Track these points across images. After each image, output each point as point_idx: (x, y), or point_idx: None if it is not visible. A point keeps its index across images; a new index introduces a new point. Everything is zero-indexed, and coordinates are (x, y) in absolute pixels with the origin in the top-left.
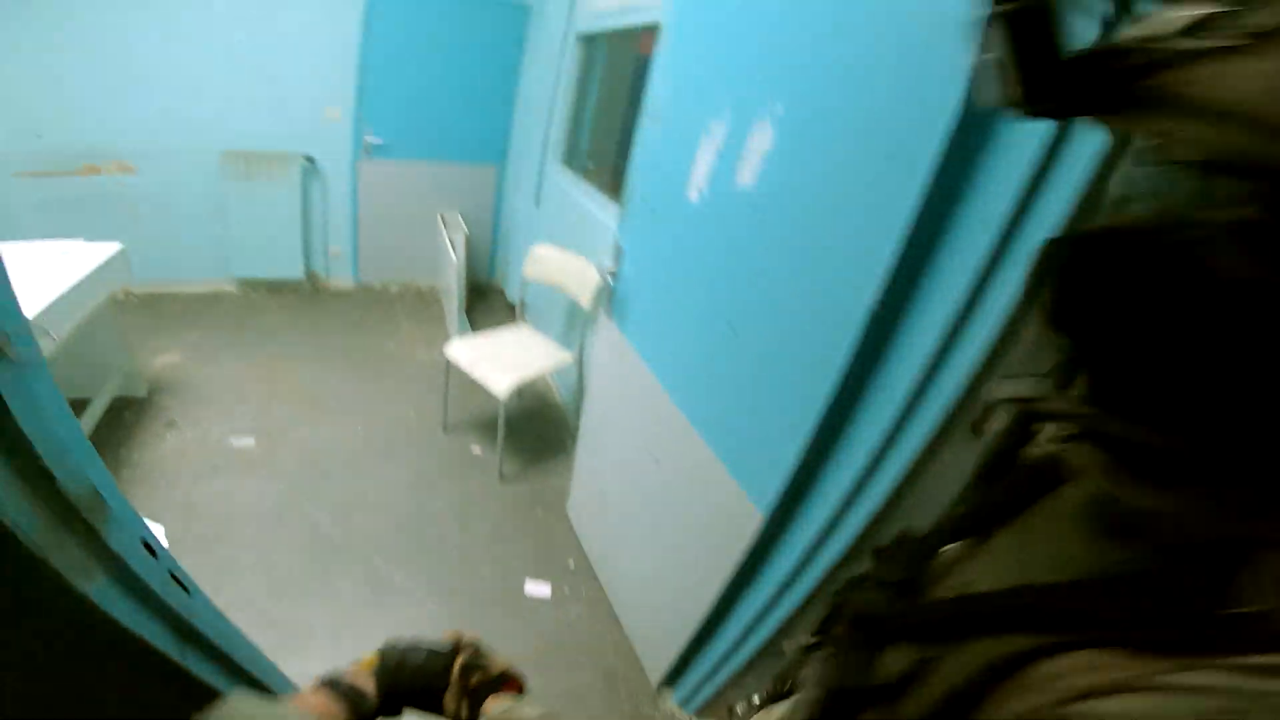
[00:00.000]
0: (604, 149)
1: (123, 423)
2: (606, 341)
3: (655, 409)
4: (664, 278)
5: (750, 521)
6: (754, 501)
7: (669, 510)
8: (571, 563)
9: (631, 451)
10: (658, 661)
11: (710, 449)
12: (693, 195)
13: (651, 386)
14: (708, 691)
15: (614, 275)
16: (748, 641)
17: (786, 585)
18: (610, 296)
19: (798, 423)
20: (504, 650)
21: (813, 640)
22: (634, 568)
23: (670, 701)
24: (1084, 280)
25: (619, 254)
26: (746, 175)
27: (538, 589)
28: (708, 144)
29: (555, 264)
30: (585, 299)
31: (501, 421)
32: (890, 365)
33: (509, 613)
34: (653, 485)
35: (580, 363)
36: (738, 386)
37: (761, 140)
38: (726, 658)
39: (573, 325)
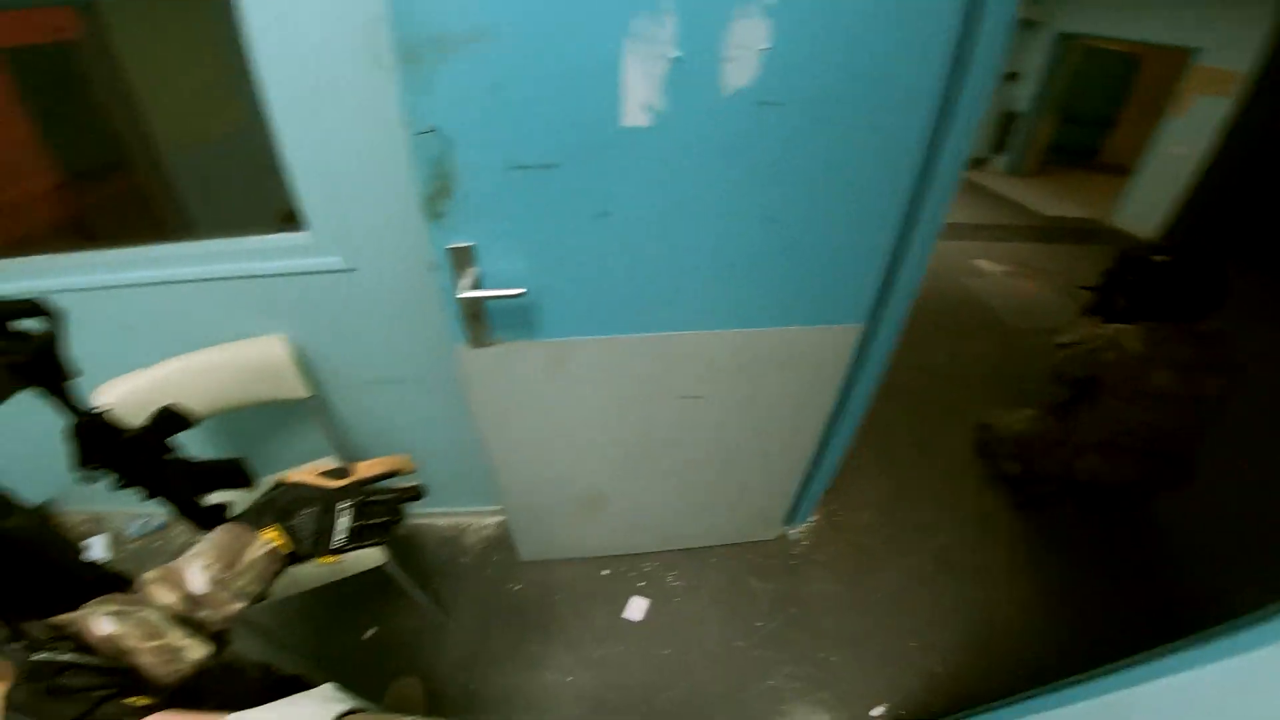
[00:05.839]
0: None
1: None
2: (509, 369)
3: (672, 361)
4: (616, 231)
5: (847, 337)
6: (845, 322)
7: (734, 416)
8: (607, 571)
9: (632, 424)
10: (768, 523)
11: (778, 327)
12: (637, 118)
13: (654, 345)
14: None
15: (472, 287)
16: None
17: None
18: (478, 317)
19: (872, 245)
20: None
21: None
22: (690, 498)
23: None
24: None
25: (461, 262)
26: (740, 76)
27: (635, 610)
28: (638, 51)
29: (204, 379)
30: (291, 385)
31: None
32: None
33: (651, 645)
34: (695, 418)
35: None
36: (790, 261)
37: (749, 35)
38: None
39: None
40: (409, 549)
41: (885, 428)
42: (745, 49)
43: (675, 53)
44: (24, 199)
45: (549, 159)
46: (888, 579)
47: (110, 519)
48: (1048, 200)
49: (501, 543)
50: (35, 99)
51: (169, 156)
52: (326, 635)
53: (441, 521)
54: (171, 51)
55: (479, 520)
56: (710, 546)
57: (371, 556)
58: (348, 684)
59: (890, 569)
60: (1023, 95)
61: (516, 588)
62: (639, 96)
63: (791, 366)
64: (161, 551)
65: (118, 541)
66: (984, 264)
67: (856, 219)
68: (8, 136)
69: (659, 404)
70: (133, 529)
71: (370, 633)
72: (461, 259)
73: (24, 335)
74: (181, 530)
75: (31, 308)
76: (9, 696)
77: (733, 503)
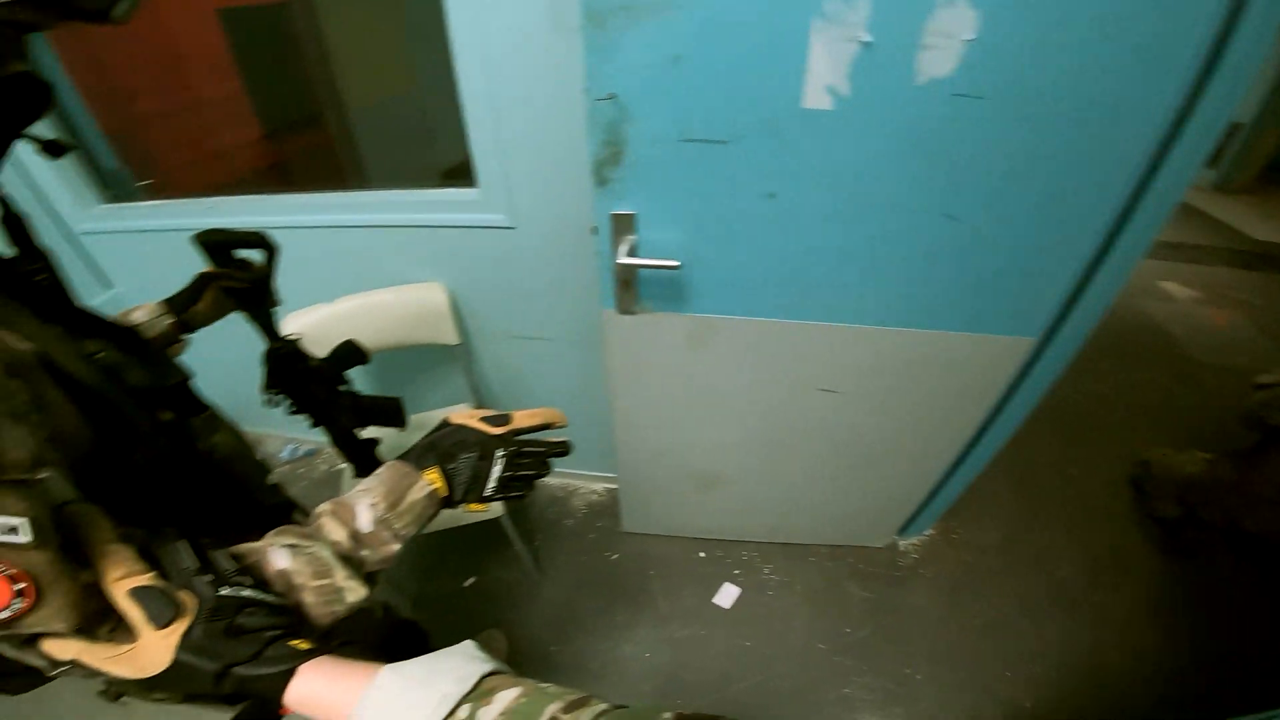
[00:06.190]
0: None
1: None
2: (651, 338)
3: (817, 352)
4: (781, 214)
5: (1015, 350)
6: (1015, 335)
7: (871, 417)
8: (704, 554)
9: (763, 410)
10: (880, 530)
11: (940, 330)
12: (819, 101)
13: (802, 333)
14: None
15: (629, 254)
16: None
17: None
18: (628, 284)
19: (1063, 257)
20: None
21: None
22: (806, 494)
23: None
24: None
25: (621, 229)
26: (936, 66)
27: (725, 597)
28: (827, 33)
29: (373, 317)
30: (445, 330)
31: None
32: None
33: (734, 633)
34: (830, 413)
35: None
36: (966, 264)
37: (952, 24)
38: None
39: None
40: (519, 504)
41: (1028, 448)
42: (946, 38)
43: (866, 37)
44: (235, 147)
45: (721, 135)
46: (995, 604)
47: (266, 441)
48: (1260, 222)
49: (606, 510)
50: (245, 57)
51: (353, 113)
52: (431, 578)
53: (553, 481)
54: (365, 14)
55: (588, 485)
56: (813, 545)
57: (494, 507)
58: (442, 628)
59: (1001, 595)
60: (1246, 102)
61: (613, 557)
62: (823, 79)
63: (946, 373)
64: (305, 478)
65: (268, 463)
66: (1171, 286)
67: (1050, 228)
68: (223, 90)
69: (794, 393)
70: (284, 453)
71: (470, 581)
72: (622, 226)
73: (246, 263)
74: (325, 459)
75: (258, 239)
76: (185, 635)
77: (849, 504)
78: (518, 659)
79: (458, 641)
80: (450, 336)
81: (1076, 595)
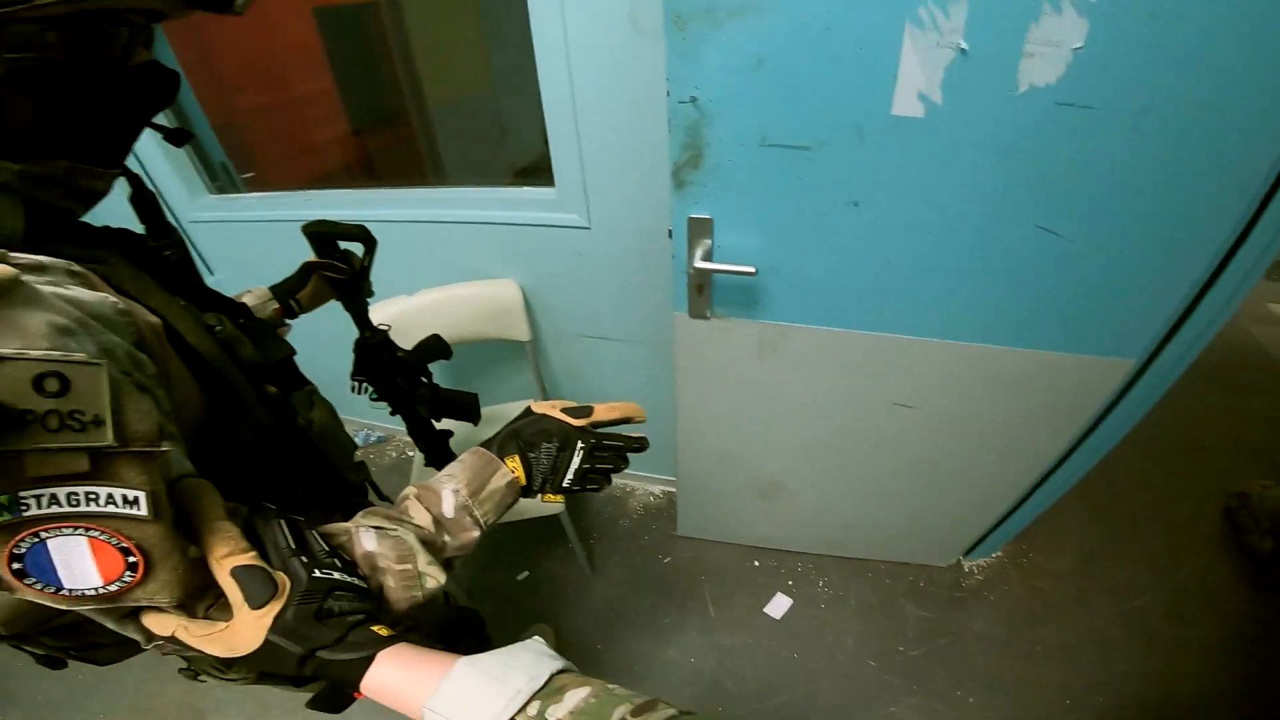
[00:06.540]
0: None
1: None
2: (721, 344)
3: (895, 365)
4: (864, 223)
5: (1112, 372)
6: (1113, 355)
7: (947, 434)
8: (758, 562)
9: (832, 422)
10: (945, 549)
11: (1031, 349)
12: (908, 109)
13: (880, 345)
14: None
15: (704, 258)
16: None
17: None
18: (702, 289)
19: (1174, 276)
20: None
21: None
22: (871, 509)
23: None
24: None
25: (697, 233)
26: (1039, 74)
27: (776, 607)
28: (920, 39)
29: (450, 311)
30: (517, 327)
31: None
32: None
33: (782, 645)
34: (903, 428)
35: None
36: (1061, 279)
37: (1059, 32)
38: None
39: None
40: (577, 501)
41: (1113, 473)
42: (1052, 46)
43: (963, 44)
44: (327, 142)
45: (804, 140)
46: (1062, 632)
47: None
48: None
49: (662, 513)
50: (336, 54)
51: (434, 111)
52: (487, 570)
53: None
54: (446, 13)
55: (646, 486)
56: (872, 560)
57: (556, 502)
58: (492, 621)
59: (1069, 623)
60: None
61: (666, 560)
62: (915, 85)
63: (1033, 394)
64: (374, 463)
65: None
66: None
67: (1160, 244)
68: (317, 87)
69: (867, 406)
70: (358, 438)
71: (523, 575)
72: (698, 230)
73: (348, 255)
74: (395, 446)
75: (360, 233)
76: (278, 617)
77: (915, 521)
78: (563, 655)
79: (507, 633)
80: (522, 333)
81: (1153, 626)
